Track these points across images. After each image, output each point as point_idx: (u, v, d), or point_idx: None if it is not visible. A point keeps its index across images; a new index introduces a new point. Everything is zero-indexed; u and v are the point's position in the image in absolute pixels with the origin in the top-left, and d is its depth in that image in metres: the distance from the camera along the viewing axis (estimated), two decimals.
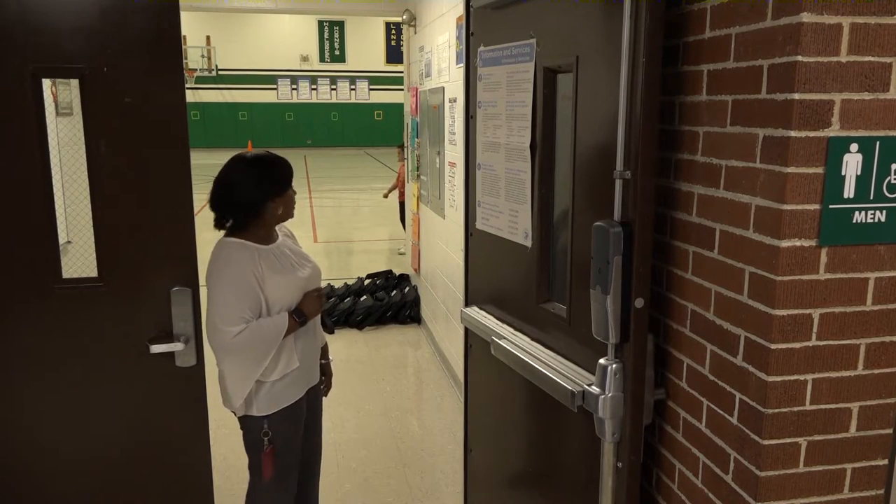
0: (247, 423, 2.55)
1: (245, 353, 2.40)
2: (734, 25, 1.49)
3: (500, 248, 2.33)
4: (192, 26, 24.88)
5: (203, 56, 26.58)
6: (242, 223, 2.47)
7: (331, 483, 3.76)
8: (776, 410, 1.46)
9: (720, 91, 1.55)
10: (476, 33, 2.45)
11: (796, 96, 1.34)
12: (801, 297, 1.42)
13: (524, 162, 2.13)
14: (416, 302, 6.61)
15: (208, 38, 26.52)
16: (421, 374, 5.47)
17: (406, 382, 5.32)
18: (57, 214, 2.27)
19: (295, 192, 2.55)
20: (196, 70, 26.29)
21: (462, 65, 3.69)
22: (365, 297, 6.71)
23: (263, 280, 2.42)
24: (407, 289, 6.84)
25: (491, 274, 2.48)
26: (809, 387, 1.47)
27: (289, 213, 2.53)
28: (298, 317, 2.48)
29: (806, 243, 1.40)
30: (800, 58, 1.32)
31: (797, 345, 1.45)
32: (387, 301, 6.59)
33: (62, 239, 2.42)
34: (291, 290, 2.50)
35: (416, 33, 6.36)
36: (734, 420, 1.56)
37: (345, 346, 5.92)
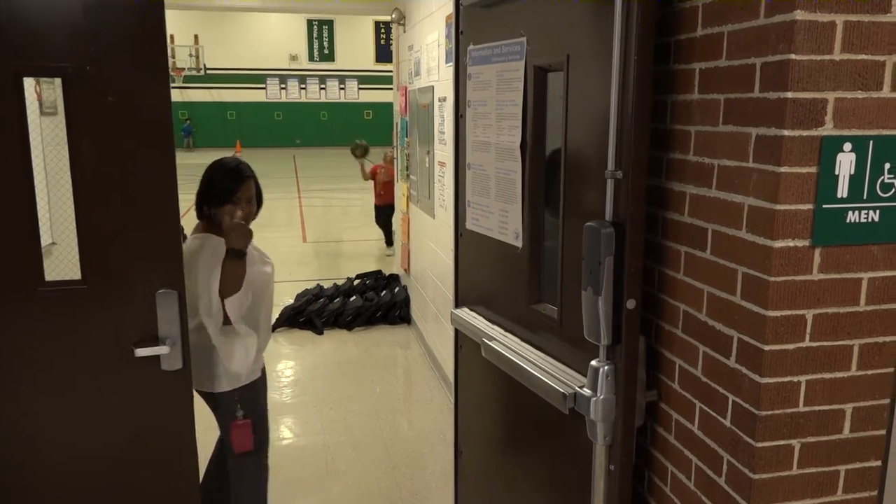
0: (221, 400, 2.70)
1: (242, 306, 2.63)
2: (727, 23, 1.47)
3: (490, 248, 2.31)
4: (179, 25, 24.76)
5: (191, 55, 26.45)
6: (203, 216, 2.70)
7: (320, 485, 3.73)
8: (769, 412, 1.45)
9: (712, 90, 1.53)
10: (466, 32, 2.43)
11: (789, 95, 1.32)
12: (794, 298, 1.41)
13: (514, 161, 2.11)
14: (405, 302, 6.58)
15: (196, 36, 26.40)
16: (411, 375, 5.45)
17: (396, 383, 5.30)
18: (41, 215, 2.24)
19: (249, 205, 2.67)
20: (184, 69, 26.17)
21: (451, 63, 3.67)
22: (354, 297, 6.68)
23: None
24: (396, 289, 6.81)
25: (481, 275, 2.46)
26: (803, 388, 1.46)
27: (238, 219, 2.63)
28: (234, 254, 2.57)
29: (799, 243, 1.39)
30: (793, 56, 1.31)
31: (790, 346, 1.43)
32: (376, 301, 6.57)
33: (47, 240, 2.39)
34: (251, 279, 2.65)
35: (405, 32, 6.34)
36: (727, 422, 1.54)
37: (334, 347, 5.89)
